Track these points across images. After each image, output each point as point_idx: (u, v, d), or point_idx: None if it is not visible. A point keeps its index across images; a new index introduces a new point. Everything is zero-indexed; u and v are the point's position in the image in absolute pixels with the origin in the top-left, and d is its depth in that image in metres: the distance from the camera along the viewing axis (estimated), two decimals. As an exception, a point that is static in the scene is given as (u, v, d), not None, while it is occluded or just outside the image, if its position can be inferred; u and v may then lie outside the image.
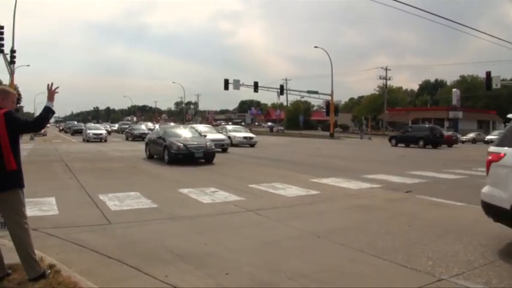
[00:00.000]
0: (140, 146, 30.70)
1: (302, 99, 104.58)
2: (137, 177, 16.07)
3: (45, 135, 61.33)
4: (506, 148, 6.81)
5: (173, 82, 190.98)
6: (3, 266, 5.04)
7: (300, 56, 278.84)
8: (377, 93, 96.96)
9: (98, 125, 64.29)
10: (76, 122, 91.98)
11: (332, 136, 65.12)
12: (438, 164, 21.92)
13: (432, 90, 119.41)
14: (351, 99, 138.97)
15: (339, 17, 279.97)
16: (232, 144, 34.73)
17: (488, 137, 52.69)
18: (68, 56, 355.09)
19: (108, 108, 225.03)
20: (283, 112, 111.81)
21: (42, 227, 7.91)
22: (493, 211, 6.87)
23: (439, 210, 10.12)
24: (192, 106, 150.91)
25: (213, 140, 24.48)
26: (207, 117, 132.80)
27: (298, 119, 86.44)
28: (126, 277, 5.57)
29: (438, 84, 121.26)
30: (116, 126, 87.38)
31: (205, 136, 25.31)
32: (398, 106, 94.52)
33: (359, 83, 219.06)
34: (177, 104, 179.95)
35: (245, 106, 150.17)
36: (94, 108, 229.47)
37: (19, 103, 77.78)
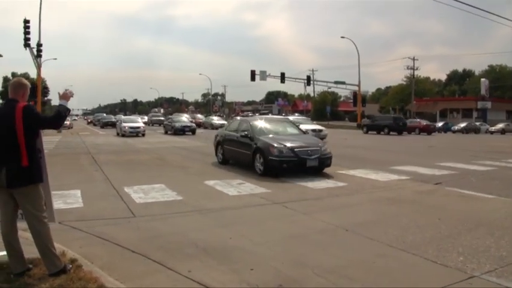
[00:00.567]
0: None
1: (329, 90, 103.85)
2: (163, 169, 16.00)
3: (71, 127, 61.38)
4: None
5: (200, 74, 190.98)
6: (24, 261, 4.95)
7: (326, 46, 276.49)
8: (405, 83, 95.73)
9: (133, 117, 55.72)
10: (104, 114, 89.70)
11: (359, 127, 64.45)
12: (466, 155, 21.36)
13: (460, 80, 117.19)
14: (379, 89, 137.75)
15: (364, 6, 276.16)
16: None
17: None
18: (95, 48, 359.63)
19: (135, 100, 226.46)
20: (310, 103, 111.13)
21: (67, 220, 7.86)
22: None
23: (469, 203, 9.79)
24: (218, 97, 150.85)
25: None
26: (234, 109, 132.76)
27: (325, 109, 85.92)
28: (148, 272, 5.44)
29: (466, 74, 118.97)
30: (145, 118, 77.99)
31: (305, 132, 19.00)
32: (426, 96, 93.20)
33: (386, 73, 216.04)
34: (204, 95, 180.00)
35: (272, 97, 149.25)
36: (121, 100, 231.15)
37: (46, 96, 78.41)
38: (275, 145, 13.68)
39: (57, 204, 9.05)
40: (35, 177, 4.86)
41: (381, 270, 5.53)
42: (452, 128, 61.85)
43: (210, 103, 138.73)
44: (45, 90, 66.56)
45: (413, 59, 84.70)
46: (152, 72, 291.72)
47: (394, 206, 9.45)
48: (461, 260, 5.79)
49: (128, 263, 5.74)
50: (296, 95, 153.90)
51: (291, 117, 30.56)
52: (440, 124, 63.04)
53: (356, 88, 70.04)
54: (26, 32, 42.56)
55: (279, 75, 67.30)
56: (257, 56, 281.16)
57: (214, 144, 18.01)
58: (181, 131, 42.02)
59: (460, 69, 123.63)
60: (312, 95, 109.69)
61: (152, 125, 67.14)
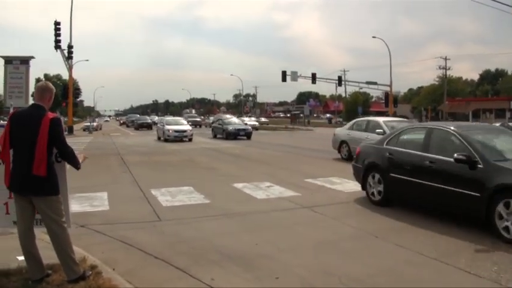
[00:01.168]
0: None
1: (361, 91, 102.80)
2: (191, 171, 15.88)
3: (100, 129, 61.44)
4: None
5: (231, 74, 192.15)
6: (42, 267, 4.83)
7: (358, 46, 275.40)
8: (437, 83, 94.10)
9: (178, 118, 45.14)
10: (138, 115, 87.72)
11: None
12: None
13: (493, 80, 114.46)
14: (410, 89, 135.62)
15: (395, 6, 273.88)
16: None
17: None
18: (126, 49, 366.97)
19: (167, 101, 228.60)
20: (342, 103, 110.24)
21: (91, 223, 7.79)
22: None
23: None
24: (250, 98, 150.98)
25: None
26: (266, 109, 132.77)
27: (357, 110, 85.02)
28: (170, 279, 5.29)
29: (499, 74, 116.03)
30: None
31: None
32: (458, 97, 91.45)
33: (417, 73, 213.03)
34: (235, 96, 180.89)
35: (303, 98, 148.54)
36: (152, 101, 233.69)
37: (78, 97, 79.17)
38: None
39: (84, 207, 9.05)
40: (54, 188, 4.75)
41: (411, 280, 5.28)
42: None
43: (242, 104, 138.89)
44: (77, 91, 67.26)
45: (445, 59, 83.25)
46: (184, 73, 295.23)
47: (426, 211, 9.08)
48: (495, 270, 5.47)
49: (150, 270, 5.60)
50: (327, 95, 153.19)
51: (383, 119, 20.52)
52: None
53: (388, 88, 69.06)
54: (57, 34, 43.29)
55: (310, 75, 66.73)
56: (288, 57, 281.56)
57: (360, 168, 10.50)
58: (234, 136, 35.22)
59: (493, 69, 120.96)
60: (343, 95, 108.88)
61: None
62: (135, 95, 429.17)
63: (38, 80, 72.36)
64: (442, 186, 7.94)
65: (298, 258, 6.04)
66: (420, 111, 79.38)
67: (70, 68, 47.13)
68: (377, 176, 9.68)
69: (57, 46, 43.83)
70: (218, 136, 37.42)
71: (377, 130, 16.59)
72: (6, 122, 4.90)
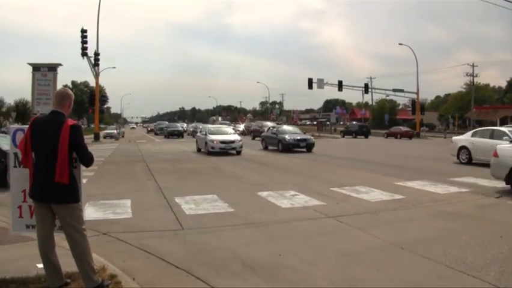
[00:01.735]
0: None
1: (387, 98, 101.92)
2: (216, 178, 15.81)
3: (122, 137, 61.04)
4: None
5: (258, 82, 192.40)
6: (61, 276, 4.78)
7: (384, 53, 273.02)
8: (464, 90, 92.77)
9: (222, 127, 36.03)
10: (167, 122, 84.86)
11: (417, 135, 62.66)
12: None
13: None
14: (437, 97, 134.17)
15: (421, 13, 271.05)
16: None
17: None
18: (153, 57, 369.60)
19: (193, 108, 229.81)
20: (369, 111, 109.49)
21: (113, 231, 7.75)
22: None
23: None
24: (276, 106, 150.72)
25: None
26: (292, 117, 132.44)
27: (383, 118, 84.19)
28: (190, 290, 5.16)
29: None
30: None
31: None
32: (486, 104, 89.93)
33: (445, 81, 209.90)
34: (262, 103, 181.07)
35: (330, 105, 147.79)
36: (179, 108, 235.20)
37: (105, 104, 79.88)
38: None
39: (107, 214, 9.03)
40: (76, 195, 4.72)
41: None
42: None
43: (268, 111, 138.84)
44: (103, 98, 67.98)
45: (473, 66, 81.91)
46: (210, 81, 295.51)
47: (453, 221, 8.80)
48: (526, 285, 5.20)
49: (170, 280, 5.50)
50: (354, 103, 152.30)
51: (508, 128, 20.65)
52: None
53: (414, 96, 68.32)
54: (84, 42, 44.02)
55: (337, 83, 66.48)
56: (315, 64, 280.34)
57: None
58: (292, 147, 29.00)
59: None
60: (370, 103, 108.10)
61: None
62: (162, 103, 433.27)
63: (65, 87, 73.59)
64: None
65: (321, 270, 5.88)
66: (447, 119, 78.21)
67: (96, 75, 47.74)
68: None
69: (83, 53, 44.55)
70: (270, 148, 31.47)
71: (504, 137, 18.49)
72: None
